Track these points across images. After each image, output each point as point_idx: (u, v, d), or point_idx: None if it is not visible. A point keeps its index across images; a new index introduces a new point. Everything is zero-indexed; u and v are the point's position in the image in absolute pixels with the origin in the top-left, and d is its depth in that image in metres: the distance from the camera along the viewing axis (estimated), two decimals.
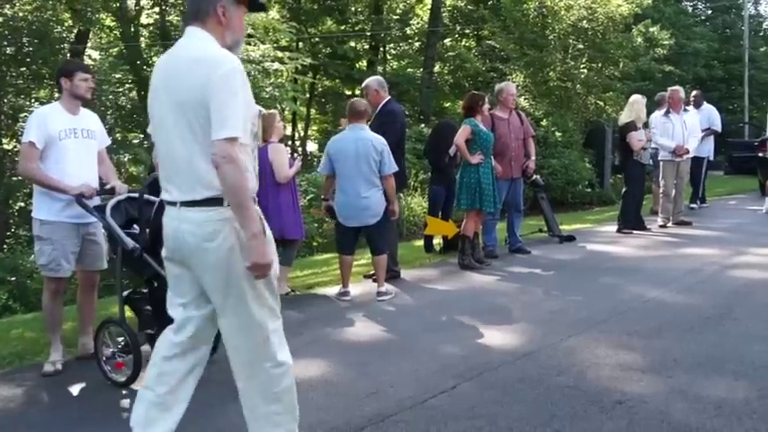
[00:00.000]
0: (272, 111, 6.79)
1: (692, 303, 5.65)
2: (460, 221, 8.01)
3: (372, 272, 6.96)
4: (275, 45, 14.80)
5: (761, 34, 39.90)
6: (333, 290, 6.84)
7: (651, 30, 19.64)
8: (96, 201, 4.71)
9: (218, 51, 2.85)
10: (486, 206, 7.61)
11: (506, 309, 5.84)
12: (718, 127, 12.48)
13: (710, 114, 12.43)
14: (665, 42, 19.80)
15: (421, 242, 9.54)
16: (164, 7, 21.34)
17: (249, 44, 13.86)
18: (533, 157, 8.72)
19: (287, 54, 14.12)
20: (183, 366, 3.05)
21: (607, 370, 4.14)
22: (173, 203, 2.91)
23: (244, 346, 2.92)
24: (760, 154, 12.82)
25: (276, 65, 13.47)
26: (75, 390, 4.43)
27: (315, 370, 4.43)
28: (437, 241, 9.18)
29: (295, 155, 25.40)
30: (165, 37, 20.49)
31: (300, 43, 24.91)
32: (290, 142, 27.84)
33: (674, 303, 5.70)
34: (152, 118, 3.02)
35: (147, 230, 4.25)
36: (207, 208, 2.82)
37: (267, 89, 13.30)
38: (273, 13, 24.55)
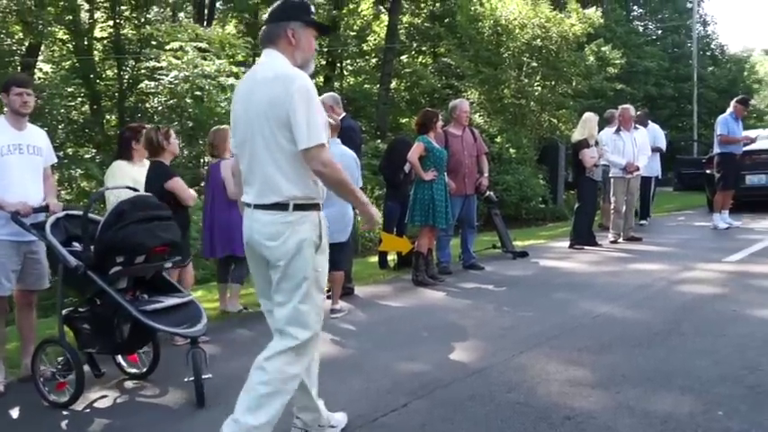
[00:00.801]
0: (223, 126, 6.71)
1: (640, 319, 5.71)
2: (415, 238, 8.03)
3: (328, 288, 6.91)
4: (231, 60, 14.71)
5: (709, 54, 40.94)
6: None
7: (603, 49, 20.04)
8: (41, 217, 4.61)
9: (290, 69, 3.21)
10: (440, 222, 7.64)
11: (459, 325, 5.85)
12: (662, 145, 12.85)
13: (655, 133, 12.78)
14: (617, 61, 20.20)
15: (376, 258, 9.53)
16: (118, 21, 21.08)
17: (205, 59, 13.78)
18: (486, 174, 8.79)
19: (242, 69, 14.03)
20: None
21: (557, 386, 4.16)
22: (248, 205, 3.29)
23: (285, 336, 3.26)
24: (707, 171, 13.08)
25: (232, 80, 13.38)
26: (15, 413, 4.30)
27: None
28: (391, 257, 9.19)
29: None
30: (120, 51, 20.26)
31: (257, 58, 24.85)
32: None
33: (624, 319, 5.77)
34: (235, 131, 3.35)
35: (93, 248, 4.18)
36: (273, 212, 3.18)
37: (222, 104, 13.20)
38: (230, 28, 24.50)
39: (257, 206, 3.22)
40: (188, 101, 13.52)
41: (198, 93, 13.42)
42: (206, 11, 24.40)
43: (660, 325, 5.43)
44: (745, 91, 35.87)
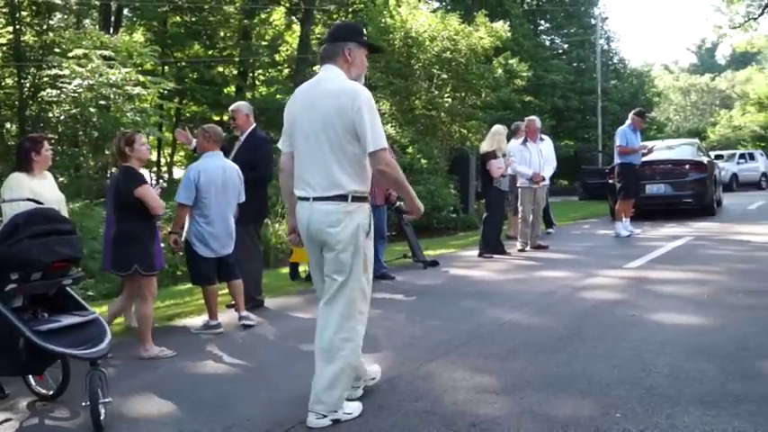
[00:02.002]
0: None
1: (544, 325, 5.86)
2: None
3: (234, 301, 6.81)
4: (139, 69, 14.38)
5: (612, 68, 42.48)
6: (194, 321, 6.65)
7: (511, 62, 20.54)
8: None
9: (352, 83, 3.81)
10: None
11: (368, 335, 5.78)
12: None
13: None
14: (524, 74, 20.76)
15: (287, 270, 9.46)
16: (18, 27, 20.31)
17: (111, 67, 13.42)
18: None
19: (149, 78, 13.74)
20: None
21: (463, 393, 4.22)
22: (306, 199, 3.81)
23: (337, 308, 3.84)
24: (610, 180, 13.57)
25: (138, 89, 13.08)
26: None
27: (170, 406, 4.29)
28: (303, 268, 9.13)
29: (161, 181, 24.68)
30: (20, 58, 19.52)
31: (166, 67, 24.36)
32: (155, 168, 27.08)
33: (529, 325, 5.90)
34: (294, 134, 3.89)
35: None
36: (334, 202, 3.74)
37: (128, 114, 12.89)
38: (138, 36, 23.96)
39: (318, 198, 3.76)
40: (92, 110, 13.13)
41: (102, 102, 13.05)
42: (112, 18, 23.77)
43: (563, 330, 5.58)
44: (645, 104, 37.39)
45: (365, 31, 4.09)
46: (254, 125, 7.30)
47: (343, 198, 3.74)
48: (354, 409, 3.90)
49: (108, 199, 6.71)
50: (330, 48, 3.92)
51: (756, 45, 49.48)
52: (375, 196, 8.39)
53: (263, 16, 27.17)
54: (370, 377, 4.27)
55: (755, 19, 41.52)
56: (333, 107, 3.69)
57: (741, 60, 78.98)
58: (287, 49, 27.91)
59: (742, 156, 31.51)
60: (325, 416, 3.75)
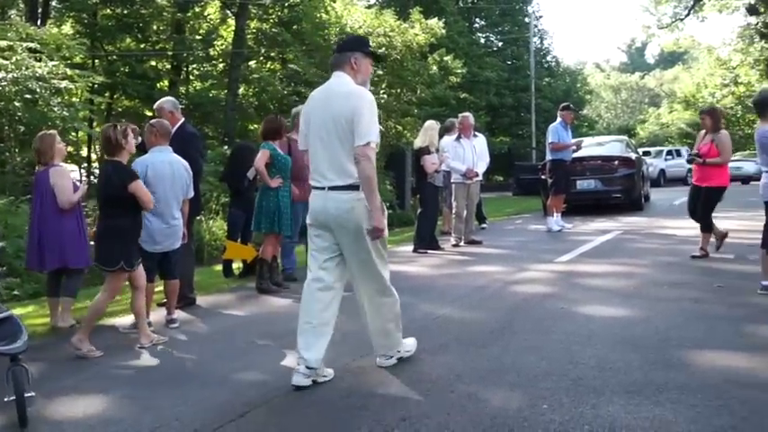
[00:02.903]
0: (50, 132, 6.38)
1: (477, 319, 5.94)
2: (260, 245, 7.95)
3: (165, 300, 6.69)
4: (67, 62, 13.95)
5: (545, 66, 43.24)
6: (123, 320, 6.52)
7: (445, 59, 20.72)
8: None
9: (360, 88, 4.39)
10: (285, 229, 7.62)
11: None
12: None
13: None
14: (459, 71, 20.96)
15: (220, 267, 9.35)
16: None
17: (39, 60, 13.00)
18: None
19: (77, 72, 13.36)
20: (326, 297, 4.43)
21: (394, 388, 4.24)
22: (321, 188, 4.34)
23: (367, 284, 4.50)
24: (542, 176, 13.81)
25: (65, 83, 12.70)
26: None
27: (96, 407, 4.20)
28: (236, 266, 9.05)
29: (83, 179, 24.05)
30: None
31: (96, 61, 23.75)
32: (85, 165, 26.40)
33: (461, 319, 5.97)
34: (308, 129, 4.44)
35: None
36: (347, 191, 4.27)
37: (56, 108, 12.52)
38: (66, 28, 23.28)
39: (332, 188, 4.29)
40: (17, 104, 12.69)
41: (28, 96, 12.63)
42: (39, 9, 23.03)
43: (494, 324, 5.66)
44: (578, 101, 38.16)
45: (370, 42, 4.80)
46: (183, 120, 7.17)
47: (355, 187, 4.26)
48: (411, 345, 4.84)
49: (33, 196, 6.49)
50: (339, 57, 4.53)
51: (683, 45, 51.08)
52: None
53: (197, 10, 26.66)
54: (405, 349, 4.76)
55: (682, 20, 42.82)
56: (343, 107, 4.25)
57: (669, 60, 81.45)
58: (222, 44, 27.46)
59: (669, 152, 32.46)
60: (391, 356, 4.62)
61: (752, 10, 37.85)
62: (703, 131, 8.65)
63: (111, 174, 5.45)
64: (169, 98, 7.43)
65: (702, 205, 8.41)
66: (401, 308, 4.79)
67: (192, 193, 6.41)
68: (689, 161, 8.88)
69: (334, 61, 4.56)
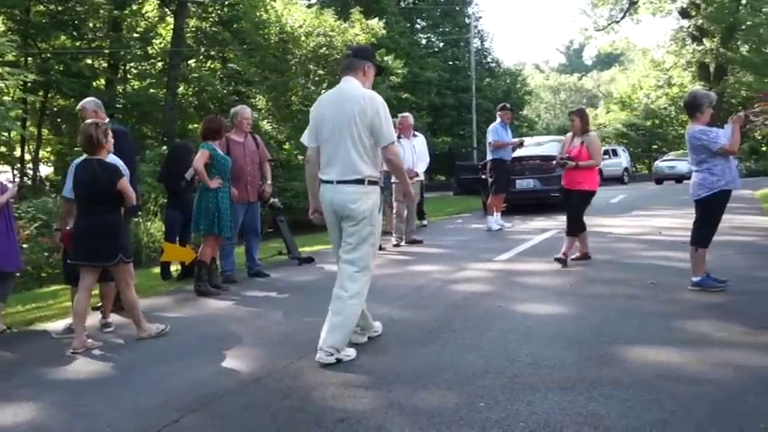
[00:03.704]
0: None
1: (416, 318, 5.96)
2: (199, 246, 7.84)
3: (101, 303, 6.54)
4: None
5: (486, 67, 43.70)
6: (56, 325, 6.36)
7: (386, 59, 20.74)
8: None
9: (372, 92, 4.85)
10: (225, 231, 7.53)
11: (239, 334, 5.79)
12: None
13: None
14: (399, 71, 21.00)
15: (158, 269, 9.20)
16: None
17: None
18: (269, 181, 8.77)
19: (7, 69, 12.97)
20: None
21: (332, 389, 4.22)
22: (330, 182, 4.80)
23: (354, 265, 4.82)
24: (482, 176, 13.94)
25: None
26: None
27: (25, 415, 4.08)
28: (174, 268, 8.91)
29: (15, 179, 23.38)
30: None
31: (30, 59, 23.12)
32: (18, 165, 25.68)
33: (400, 319, 5.98)
34: (321, 128, 4.84)
35: None
36: (355, 185, 4.74)
37: None
38: None
39: (341, 182, 4.74)
40: None
41: None
42: None
43: (433, 323, 5.69)
44: (518, 101, 38.66)
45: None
46: (107, 119, 7.00)
47: (360, 182, 4.73)
48: (352, 353, 4.82)
49: None
50: (353, 62, 4.94)
51: (619, 47, 52.29)
52: (248, 193, 8.31)
53: (134, 7, 26.17)
54: (346, 354, 4.79)
55: (617, 22, 43.91)
56: (356, 109, 4.68)
57: (606, 61, 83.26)
58: (160, 42, 27.01)
59: (606, 152, 33.13)
60: (331, 354, 4.66)
61: (684, 13, 39.01)
62: (571, 134, 8.55)
63: (99, 172, 5.51)
64: (91, 98, 7.19)
65: (574, 209, 8.26)
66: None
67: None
68: (561, 165, 8.37)
69: (349, 65, 4.95)
